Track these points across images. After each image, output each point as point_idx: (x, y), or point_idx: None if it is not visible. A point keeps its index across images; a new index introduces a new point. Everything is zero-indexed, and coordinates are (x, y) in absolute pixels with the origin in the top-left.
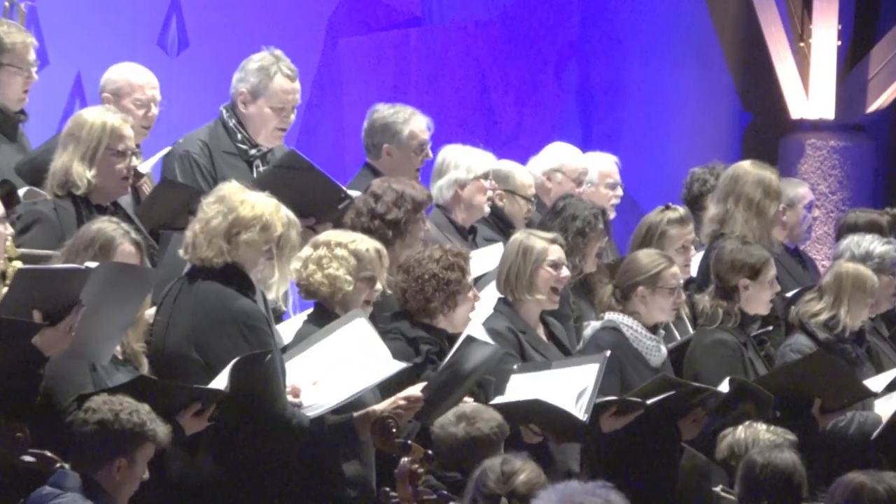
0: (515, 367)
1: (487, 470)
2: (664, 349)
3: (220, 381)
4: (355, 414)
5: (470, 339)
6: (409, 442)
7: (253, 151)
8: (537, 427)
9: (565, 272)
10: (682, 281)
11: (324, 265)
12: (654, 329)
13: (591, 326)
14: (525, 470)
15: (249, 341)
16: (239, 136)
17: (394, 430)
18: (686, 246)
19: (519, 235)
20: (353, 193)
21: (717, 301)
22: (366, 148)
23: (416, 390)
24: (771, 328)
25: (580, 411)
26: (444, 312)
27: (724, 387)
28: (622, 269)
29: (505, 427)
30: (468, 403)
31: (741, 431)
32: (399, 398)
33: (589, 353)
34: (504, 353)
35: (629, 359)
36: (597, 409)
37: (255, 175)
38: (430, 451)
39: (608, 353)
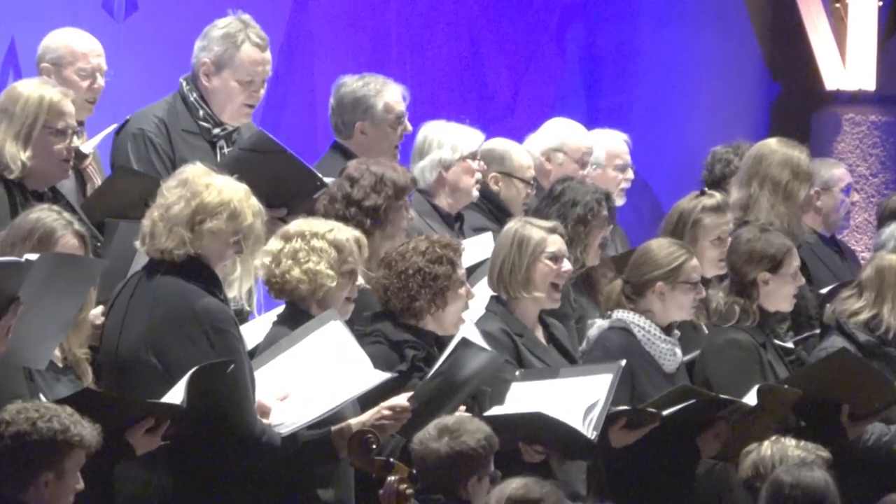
0: (517, 373)
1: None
2: (679, 352)
3: (177, 394)
4: (333, 428)
5: (465, 343)
6: (392, 460)
7: (216, 131)
8: (539, 445)
9: (566, 266)
10: (712, 276)
11: (301, 259)
12: (668, 330)
13: (596, 326)
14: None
15: (216, 346)
16: (201, 112)
17: (374, 447)
18: (722, 237)
19: (513, 224)
20: (329, 181)
21: (732, 297)
22: (334, 127)
23: (402, 400)
24: (817, 332)
25: (588, 428)
26: (431, 312)
27: (752, 398)
28: (635, 263)
29: (493, 440)
30: (451, 415)
31: (767, 448)
32: (383, 409)
33: (595, 356)
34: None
35: (640, 364)
36: (606, 421)
37: (218, 158)
38: (414, 471)
39: (623, 362)
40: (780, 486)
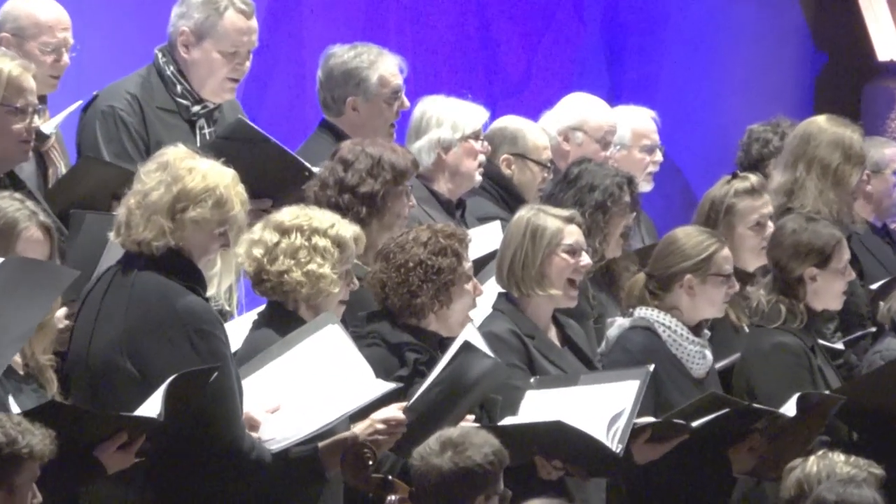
0: (532, 381)
1: None
2: (710, 355)
3: (153, 406)
4: (321, 444)
5: (467, 348)
6: (391, 478)
7: (196, 108)
8: (558, 459)
9: (585, 260)
10: (755, 267)
11: (302, 260)
12: (696, 329)
13: (616, 325)
14: None
15: (200, 351)
16: (178, 87)
17: (371, 463)
18: (762, 222)
19: (525, 212)
20: (317, 169)
21: (776, 295)
22: (323, 103)
23: (396, 412)
24: (873, 329)
25: (613, 440)
26: (434, 310)
27: (791, 407)
28: (660, 253)
29: (503, 455)
30: (455, 427)
31: (813, 464)
32: (376, 421)
33: (614, 358)
34: (509, 367)
35: (666, 368)
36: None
37: (198, 139)
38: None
39: (651, 367)
40: None
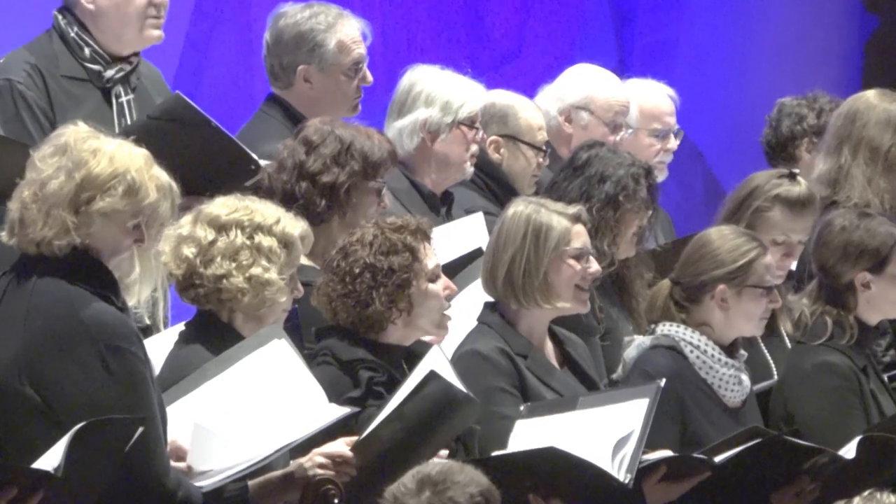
0: (522, 408)
1: None
2: (747, 380)
3: (53, 457)
4: (251, 482)
5: (433, 378)
6: None
7: (110, 73)
8: (556, 498)
9: (594, 266)
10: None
11: (244, 262)
12: (731, 350)
13: (635, 344)
14: None
15: (112, 371)
16: (86, 51)
17: (336, 502)
18: (788, 244)
19: (523, 207)
20: (264, 163)
21: (821, 306)
22: (270, 72)
23: (342, 446)
24: None
25: (619, 469)
26: (394, 319)
27: (851, 449)
28: (690, 258)
29: (492, 495)
30: (435, 462)
31: None
32: (316, 455)
33: (633, 383)
34: (498, 392)
35: (695, 395)
36: (640, 472)
37: (115, 110)
38: None
39: (662, 382)
40: None
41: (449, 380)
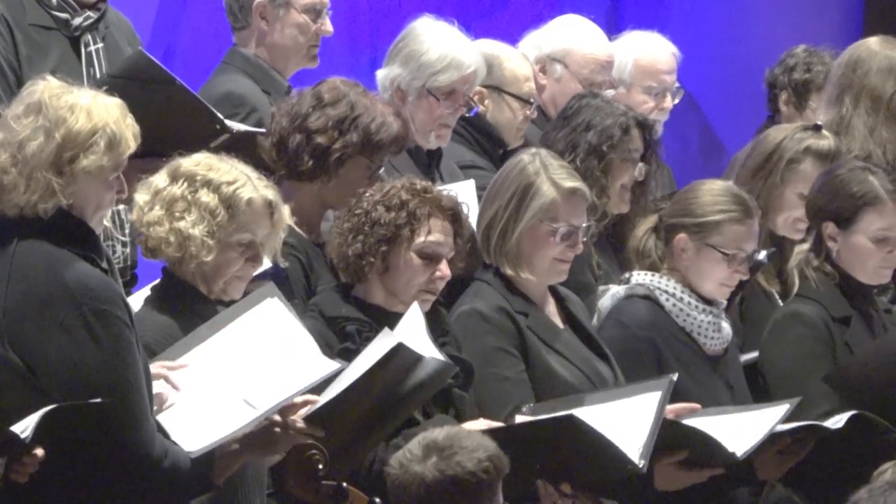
0: (525, 409)
1: None
2: (727, 328)
3: (25, 425)
4: (218, 448)
5: (398, 352)
6: (346, 486)
7: (78, 20)
8: (564, 479)
9: (578, 248)
10: (757, 253)
11: (175, 213)
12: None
13: (610, 293)
14: None
15: (97, 336)
16: None
17: (320, 468)
18: None
19: (526, 161)
20: (237, 127)
21: (809, 255)
22: (229, 12)
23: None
24: None
25: (636, 453)
26: (368, 273)
27: (839, 421)
28: (676, 199)
29: (500, 461)
30: (442, 428)
31: (892, 471)
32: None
33: (608, 334)
34: (498, 352)
35: (672, 345)
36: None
37: (83, 59)
38: (376, 500)
39: (674, 377)
40: None
41: (418, 344)
